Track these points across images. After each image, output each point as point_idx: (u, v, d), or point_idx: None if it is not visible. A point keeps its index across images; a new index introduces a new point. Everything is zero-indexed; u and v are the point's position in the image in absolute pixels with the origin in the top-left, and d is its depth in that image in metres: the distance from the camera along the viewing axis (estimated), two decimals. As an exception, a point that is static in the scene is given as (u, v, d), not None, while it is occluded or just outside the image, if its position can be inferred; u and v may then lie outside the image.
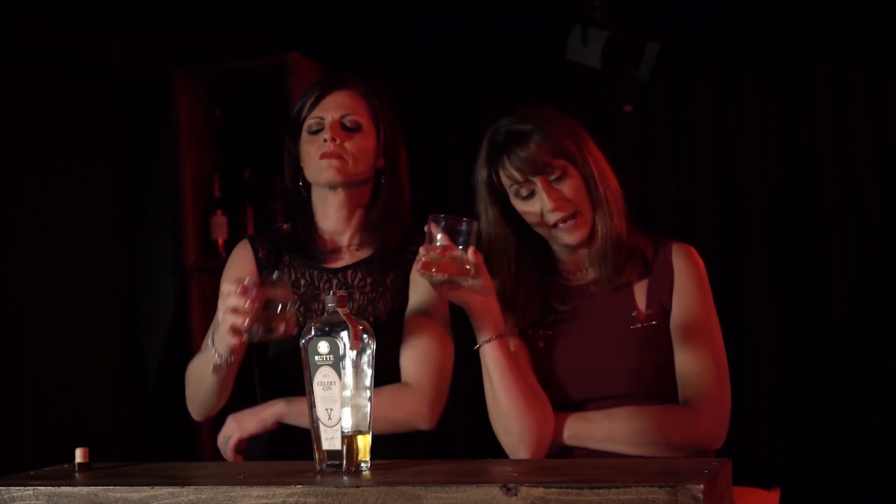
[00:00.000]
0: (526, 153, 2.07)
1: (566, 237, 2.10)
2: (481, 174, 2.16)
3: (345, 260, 2.25)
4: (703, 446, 2.05)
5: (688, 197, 3.79)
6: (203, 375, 2.08)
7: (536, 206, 2.09)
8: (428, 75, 4.04)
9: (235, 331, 1.91)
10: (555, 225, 2.08)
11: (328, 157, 2.15)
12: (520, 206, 2.12)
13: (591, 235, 2.13)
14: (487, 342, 1.98)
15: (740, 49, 3.75)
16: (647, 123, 3.84)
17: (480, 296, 1.95)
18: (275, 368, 2.24)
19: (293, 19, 3.99)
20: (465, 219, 1.89)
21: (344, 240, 2.26)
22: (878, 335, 3.57)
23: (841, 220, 3.62)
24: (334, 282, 2.22)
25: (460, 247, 1.88)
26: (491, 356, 1.99)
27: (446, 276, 1.88)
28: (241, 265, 2.27)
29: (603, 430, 2.03)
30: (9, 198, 3.58)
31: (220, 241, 3.88)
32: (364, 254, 2.25)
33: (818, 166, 3.65)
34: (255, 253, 2.28)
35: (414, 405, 2.12)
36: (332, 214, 2.24)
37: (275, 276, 1.95)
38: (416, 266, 1.88)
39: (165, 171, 4.09)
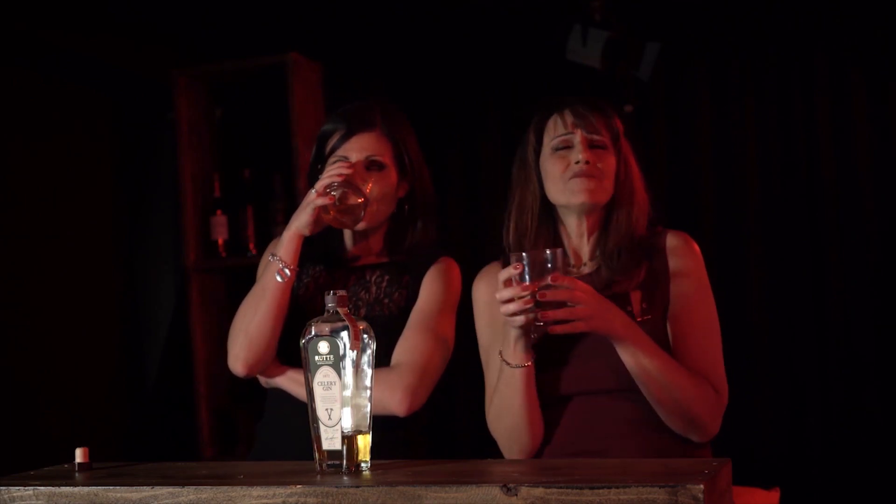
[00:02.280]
0: (584, 110, 2.13)
1: (577, 192, 2.10)
2: (529, 137, 2.19)
3: (364, 261, 2.36)
4: (695, 438, 2.05)
5: (688, 197, 3.79)
6: (259, 301, 2.19)
7: (566, 159, 2.11)
8: (428, 76, 4.03)
9: (326, 192, 2.13)
10: (574, 176, 2.10)
11: None
12: (550, 163, 2.14)
13: (605, 227, 2.15)
14: (520, 367, 2.01)
15: (740, 49, 3.75)
16: (647, 123, 3.84)
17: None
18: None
19: (293, 19, 3.99)
20: (547, 250, 1.90)
21: (363, 251, 2.36)
22: (878, 334, 3.56)
23: (841, 220, 3.62)
24: (353, 277, 2.32)
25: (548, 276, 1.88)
26: (522, 379, 2.02)
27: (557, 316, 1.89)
28: None
29: (658, 361, 2.00)
30: (9, 198, 3.58)
31: (220, 241, 3.88)
32: (384, 259, 2.35)
33: (818, 166, 3.65)
34: None
35: (389, 388, 2.15)
36: (354, 239, 2.36)
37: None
38: (507, 310, 1.89)
39: (165, 171, 4.09)
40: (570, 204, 2.13)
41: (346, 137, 2.29)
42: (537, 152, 2.18)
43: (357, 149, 2.28)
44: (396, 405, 2.15)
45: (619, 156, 2.15)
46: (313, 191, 2.18)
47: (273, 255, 2.21)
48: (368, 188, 2.20)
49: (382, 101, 2.41)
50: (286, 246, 2.20)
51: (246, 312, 2.23)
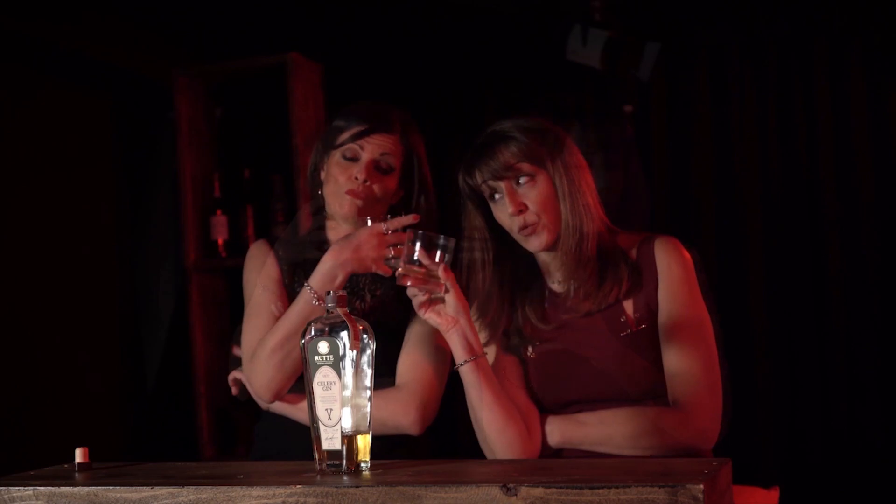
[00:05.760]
0: (494, 157, 2.09)
1: (527, 243, 2.09)
2: (461, 182, 2.17)
3: None
4: (696, 446, 2.03)
5: (687, 196, 3.79)
6: (294, 335, 2.12)
7: (505, 210, 2.09)
8: (428, 75, 4.04)
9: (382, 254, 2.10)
10: (519, 230, 2.08)
11: (354, 194, 2.21)
12: (494, 211, 2.12)
13: (555, 247, 2.11)
14: (463, 364, 2.01)
15: (740, 48, 3.75)
16: (647, 123, 3.84)
17: (452, 318, 1.98)
18: None
19: (293, 19, 3.99)
20: (442, 235, 1.98)
21: None
22: (878, 334, 3.56)
23: (840, 219, 3.62)
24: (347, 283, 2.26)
25: (437, 261, 1.97)
26: (468, 378, 2.02)
27: (417, 286, 1.97)
28: (261, 262, 2.32)
29: (596, 434, 2.03)
30: (8, 198, 3.58)
31: (220, 241, 3.88)
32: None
33: (818, 165, 3.65)
34: (277, 252, 2.33)
35: (401, 407, 2.15)
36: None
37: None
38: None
39: (165, 171, 4.09)
40: (534, 252, 2.13)
41: (364, 134, 2.24)
42: (482, 198, 2.14)
43: (372, 146, 2.24)
44: (410, 425, 2.16)
45: (554, 176, 2.08)
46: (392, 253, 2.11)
47: (310, 286, 2.14)
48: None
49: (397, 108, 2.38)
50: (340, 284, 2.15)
51: (284, 343, 2.14)
